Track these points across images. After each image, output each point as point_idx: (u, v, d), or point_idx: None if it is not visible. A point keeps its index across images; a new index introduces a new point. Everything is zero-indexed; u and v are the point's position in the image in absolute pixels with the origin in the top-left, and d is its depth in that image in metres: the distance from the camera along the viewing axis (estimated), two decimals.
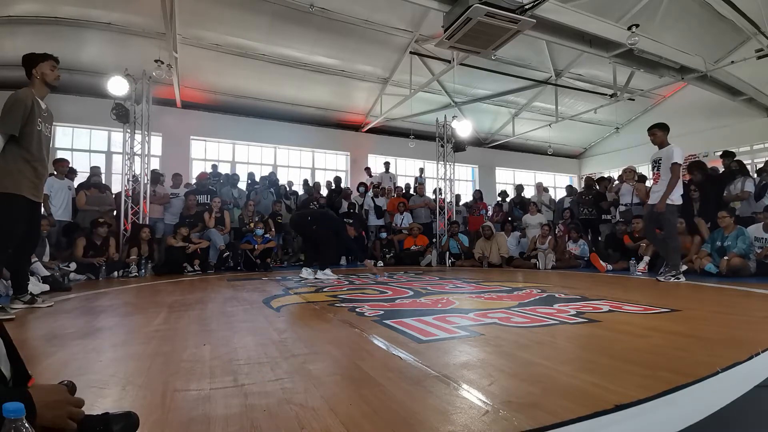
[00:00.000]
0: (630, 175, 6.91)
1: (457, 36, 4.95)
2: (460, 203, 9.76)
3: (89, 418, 0.89)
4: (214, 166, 8.41)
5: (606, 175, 10.62)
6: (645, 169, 9.50)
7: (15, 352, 0.90)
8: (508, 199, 9.46)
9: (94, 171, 6.95)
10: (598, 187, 7.99)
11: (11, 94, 2.76)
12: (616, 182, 7.89)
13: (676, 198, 4.43)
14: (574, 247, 6.90)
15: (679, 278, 4.39)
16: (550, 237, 7.03)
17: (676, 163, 4.39)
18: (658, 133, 4.67)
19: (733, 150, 6.98)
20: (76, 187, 6.39)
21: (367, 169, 10.20)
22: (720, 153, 6.80)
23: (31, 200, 2.74)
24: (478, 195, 9.45)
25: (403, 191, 9.37)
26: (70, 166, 6.43)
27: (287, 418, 1.03)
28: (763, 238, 4.91)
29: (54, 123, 9.09)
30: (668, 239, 4.56)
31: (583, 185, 8.75)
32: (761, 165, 7.15)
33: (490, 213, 9.36)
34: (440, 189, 8.84)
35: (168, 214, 6.96)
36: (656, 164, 4.61)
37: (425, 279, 4.87)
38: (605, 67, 8.32)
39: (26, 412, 0.69)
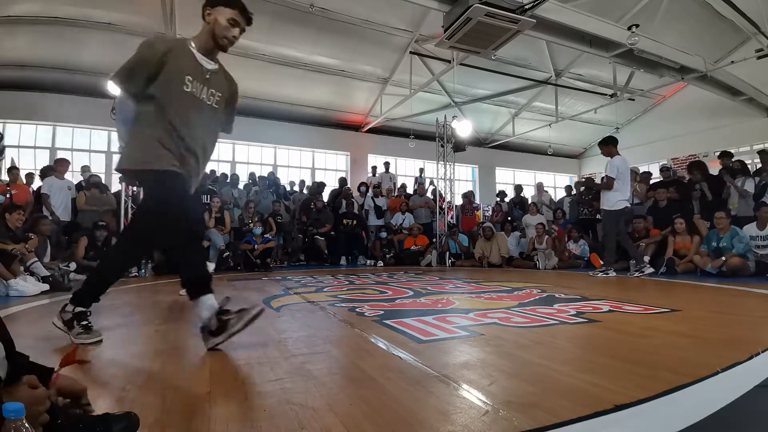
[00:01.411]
0: (630, 175, 6.92)
1: (457, 36, 4.96)
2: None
3: (89, 418, 0.89)
4: (213, 171, 8.39)
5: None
6: (645, 169, 9.50)
7: (15, 353, 0.89)
8: (506, 200, 9.46)
9: (85, 169, 6.94)
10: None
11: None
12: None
13: (614, 204, 5.07)
14: (574, 247, 6.90)
15: (608, 273, 5.07)
16: (546, 237, 7.05)
17: (607, 176, 5.16)
18: (603, 148, 5.34)
19: (733, 150, 6.99)
20: (75, 185, 6.40)
21: (374, 168, 10.18)
22: (719, 153, 6.80)
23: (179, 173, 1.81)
24: (470, 195, 9.47)
25: (405, 191, 9.38)
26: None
27: (287, 418, 1.03)
28: (758, 236, 4.91)
29: (54, 123, 8.98)
30: (604, 239, 5.46)
31: (582, 185, 8.74)
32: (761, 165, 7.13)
33: (489, 212, 9.38)
34: (438, 190, 8.85)
35: None
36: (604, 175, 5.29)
37: (425, 279, 4.87)
38: (605, 67, 8.32)
39: None
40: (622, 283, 4.41)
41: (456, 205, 9.30)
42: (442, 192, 8.79)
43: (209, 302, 1.72)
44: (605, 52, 6.36)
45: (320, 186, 8.95)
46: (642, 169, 9.75)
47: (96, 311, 2.90)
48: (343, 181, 9.44)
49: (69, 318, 1.85)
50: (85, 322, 1.84)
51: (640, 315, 2.42)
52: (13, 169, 5.97)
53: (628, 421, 1.01)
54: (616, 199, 5.07)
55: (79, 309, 1.85)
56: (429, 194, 9.17)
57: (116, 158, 8.21)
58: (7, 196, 5.35)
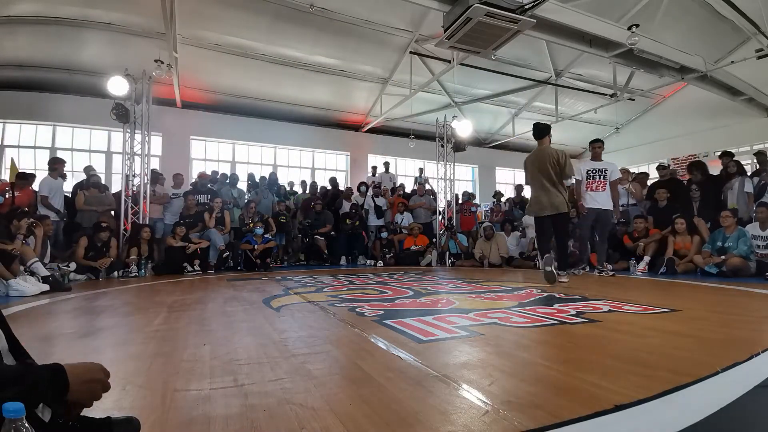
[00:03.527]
0: (625, 176, 6.92)
1: (457, 36, 4.95)
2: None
3: (91, 420, 0.88)
4: (214, 172, 8.37)
5: None
6: (644, 169, 9.50)
7: (18, 347, 0.90)
8: (503, 200, 9.45)
9: (89, 170, 6.91)
10: None
11: (565, 153, 4.47)
12: None
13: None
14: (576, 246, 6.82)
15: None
16: None
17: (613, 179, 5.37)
18: (601, 148, 5.62)
19: (733, 150, 6.98)
20: (74, 186, 6.40)
21: (374, 168, 10.14)
22: (719, 153, 6.79)
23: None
24: (466, 195, 9.47)
25: (404, 191, 9.37)
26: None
27: (287, 418, 1.03)
28: (759, 236, 4.90)
29: (54, 123, 9.01)
30: (604, 241, 5.54)
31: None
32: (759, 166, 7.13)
33: (485, 211, 9.38)
34: (432, 189, 8.85)
35: (168, 214, 6.96)
36: (599, 173, 5.35)
37: (425, 279, 4.87)
38: (605, 67, 8.32)
39: (60, 386, 0.73)
40: (622, 283, 4.41)
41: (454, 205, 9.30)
42: (438, 191, 8.79)
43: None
44: (605, 52, 6.35)
45: (314, 186, 8.95)
46: (642, 169, 9.76)
47: (96, 311, 2.90)
48: (333, 181, 9.42)
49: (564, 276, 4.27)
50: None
51: (640, 315, 2.42)
52: (20, 175, 5.95)
53: (628, 421, 1.01)
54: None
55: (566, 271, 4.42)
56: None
57: (116, 158, 8.27)
58: (7, 196, 5.33)
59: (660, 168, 7.15)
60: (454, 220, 8.67)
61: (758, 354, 1.52)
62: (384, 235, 8.08)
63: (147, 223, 6.31)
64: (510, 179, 13.39)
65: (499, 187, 11.85)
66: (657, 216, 6.16)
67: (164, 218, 6.91)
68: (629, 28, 5.73)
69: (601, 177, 5.24)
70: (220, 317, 2.50)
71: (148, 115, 6.54)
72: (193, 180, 8.05)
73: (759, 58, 6.59)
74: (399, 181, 10.31)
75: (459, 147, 8.93)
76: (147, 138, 6.55)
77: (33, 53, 7.32)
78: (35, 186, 5.96)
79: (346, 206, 8.37)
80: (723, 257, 4.83)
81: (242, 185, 8.56)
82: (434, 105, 10.44)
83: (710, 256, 5.04)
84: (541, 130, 4.61)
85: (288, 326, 2.25)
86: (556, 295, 3.24)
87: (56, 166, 6.02)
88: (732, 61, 7.29)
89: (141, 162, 6.51)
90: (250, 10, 6.99)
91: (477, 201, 10.39)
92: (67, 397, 0.76)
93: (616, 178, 5.28)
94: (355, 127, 11.18)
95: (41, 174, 6.17)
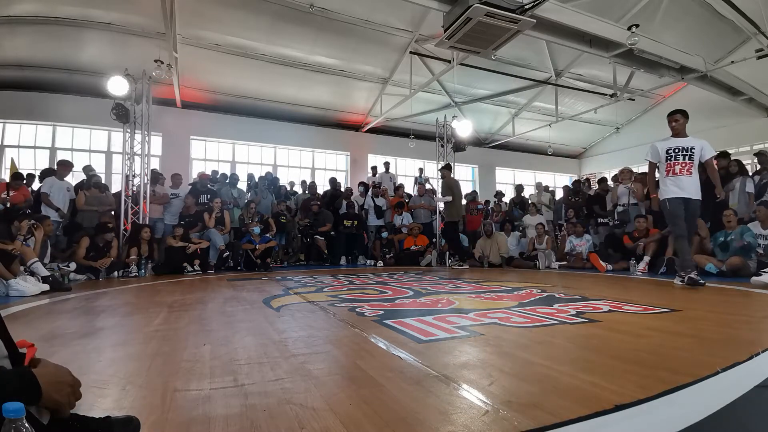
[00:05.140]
0: (627, 175, 6.91)
1: (457, 36, 4.96)
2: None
3: (91, 420, 0.89)
4: (214, 172, 8.36)
5: (605, 175, 10.65)
6: (644, 169, 9.51)
7: (16, 353, 0.89)
8: (504, 200, 9.44)
9: (89, 169, 6.91)
10: (598, 188, 7.98)
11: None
12: (612, 183, 7.87)
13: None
14: (579, 243, 6.78)
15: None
16: (547, 237, 7.03)
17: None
18: (683, 120, 4.19)
19: (733, 150, 6.99)
20: (75, 186, 6.41)
21: (374, 168, 10.12)
22: (717, 153, 6.78)
23: None
24: (472, 195, 9.47)
25: (402, 191, 9.37)
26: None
27: (287, 418, 1.03)
28: (760, 235, 4.90)
29: (54, 123, 9.06)
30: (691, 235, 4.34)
31: (576, 187, 8.68)
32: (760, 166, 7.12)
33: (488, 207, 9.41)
34: (434, 189, 8.86)
35: (168, 214, 6.95)
36: (684, 153, 4.08)
37: (425, 279, 4.87)
38: (605, 67, 8.32)
39: (31, 392, 0.72)
40: (622, 283, 4.41)
41: None
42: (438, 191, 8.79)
43: None
44: (605, 52, 6.35)
45: (313, 187, 8.96)
46: (643, 169, 9.75)
47: (96, 311, 2.90)
48: (334, 181, 9.42)
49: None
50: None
51: (640, 315, 2.42)
52: (15, 175, 5.96)
53: (628, 421, 1.01)
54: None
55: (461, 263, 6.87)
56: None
57: (116, 158, 8.27)
58: (8, 205, 5.32)
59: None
60: None
61: (758, 354, 1.52)
62: (384, 235, 8.08)
63: (147, 223, 6.31)
64: (510, 179, 13.39)
65: (498, 187, 11.85)
66: (657, 216, 6.14)
67: (164, 218, 6.91)
68: (629, 28, 5.74)
69: (686, 157, 4.03)
70: (220, 317, 2.50)
71: (148, 115, 6.54)
72: (193, 180, 8.05)
73: (759, 58, 6.59)
74: (399, 181, 10.31)
75: (459, 147, 8.93)
76: (147, 138, 6.55)
77: (33, 53, 7.32)
78: (36, 184, 5.98)
79: (344, 207, 8.36)
80: (731, 250, 4.82)
81: (242, 185, 8.56)
82: (434, 105, 10.44)
83: (711, 255, 5.03)
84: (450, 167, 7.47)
85: (288, 326, 2.25)
86: (556, 295, 3.24)
87: (59, 168, 6.06)
88: (732, 61, 7.30)
89: (141, 162, 6.51)
90: (250, 10, 6.99)
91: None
92: (42, 401, 0.74)
93: (711, 156, 4.25)
94: (355, 127, 11.19)
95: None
